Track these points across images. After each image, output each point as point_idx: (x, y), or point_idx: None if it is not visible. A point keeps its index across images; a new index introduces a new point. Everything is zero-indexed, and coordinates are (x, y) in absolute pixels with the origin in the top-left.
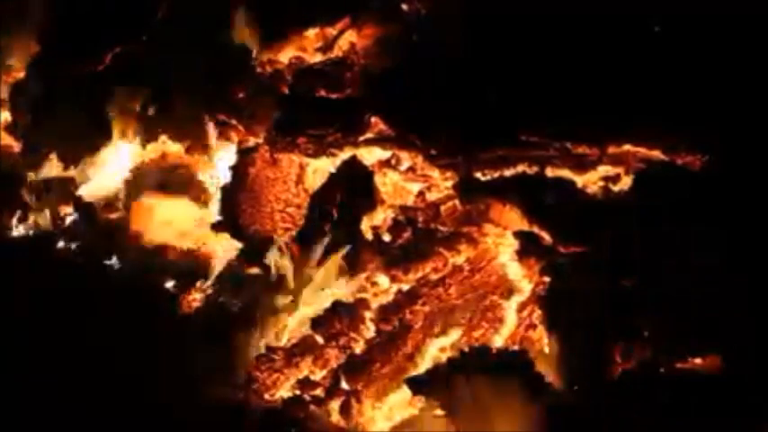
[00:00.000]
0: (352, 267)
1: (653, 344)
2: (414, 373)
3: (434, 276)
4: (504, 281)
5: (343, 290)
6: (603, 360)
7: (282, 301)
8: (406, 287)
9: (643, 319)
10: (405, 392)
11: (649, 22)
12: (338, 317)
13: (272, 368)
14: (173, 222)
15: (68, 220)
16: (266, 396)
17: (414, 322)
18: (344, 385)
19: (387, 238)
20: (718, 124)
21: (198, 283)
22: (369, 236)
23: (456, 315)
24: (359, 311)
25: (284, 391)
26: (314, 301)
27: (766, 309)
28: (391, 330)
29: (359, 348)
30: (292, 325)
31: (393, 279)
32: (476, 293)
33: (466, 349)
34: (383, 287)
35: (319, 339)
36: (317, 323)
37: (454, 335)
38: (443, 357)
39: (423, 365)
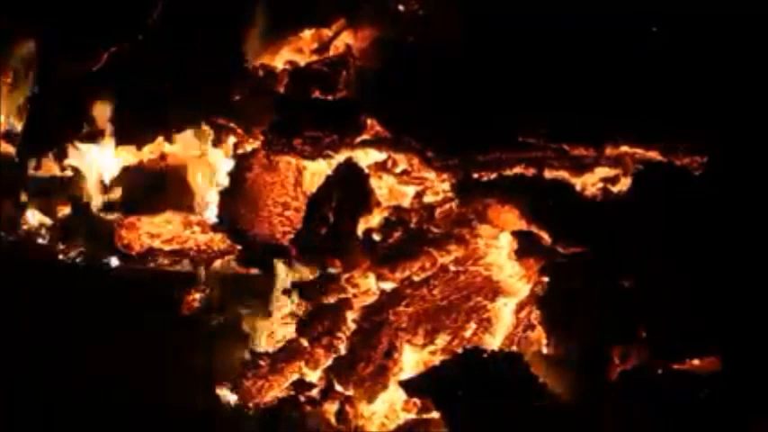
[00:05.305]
0: (345, 269)
1: (651, 345)
2: (396, 370)
3: (419, 277)
4: (490, 282)
5: (328, 291)
6: (602, 361)
7: (277, 303)
8: (389, 287)
9: (642, 320)
10: (395, 394)
11: (648, 23)
12: (320, 319)
13: (258, 375)
14: (163, 232)
15: (66, 220)
16: (250, 404)
17: (397, 323)
18: (338, 387)
19: (377, 237)
20: (717, 125)
21: (198, 284)
22: (362, 238)
23: (441, 317)
24: (341, 312)
25: (278, 392)
26: (303, 304)
27: (765, 309)
28: (369, 328)
29: (343, 348)
30: (280, 328)
31: (379, 277)
32: (460, 294)
33: (459, 351)
34: (363, 288)
35: (304, 342)
36: (302, 326)
37: (442, 338)
38: (436, 360)
39: (404, 363)
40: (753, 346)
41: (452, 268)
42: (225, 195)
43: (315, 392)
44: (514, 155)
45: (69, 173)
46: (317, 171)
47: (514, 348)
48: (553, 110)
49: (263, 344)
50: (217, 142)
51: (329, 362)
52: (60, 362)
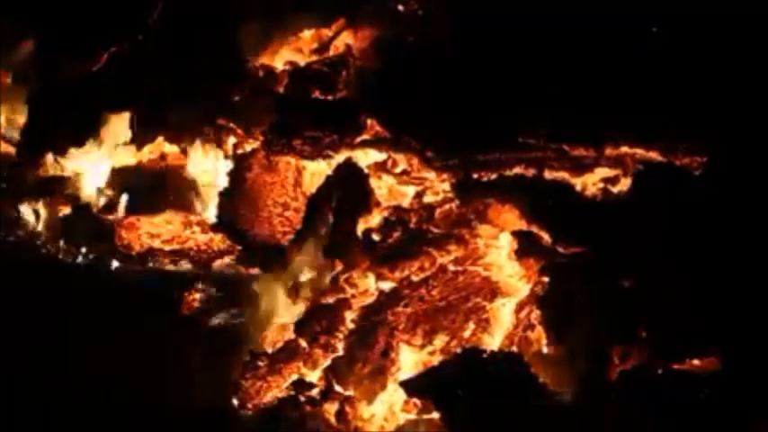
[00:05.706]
0: (345, 269)
1: (651, 345)
2: (394, 370)
3: (418, 277)
4: (489, 282)
5: (326, 291)
6: (602, 361)
7: (276, 303)
8: (388, 287)
9: (642, 320)
10: (394, 394)
11: (647, 22)
12: (319, 318)
13: (256, 375)
14: (163, 232)
15: (66, 220)
16: (249, 405)
17: (395, 323)
18: (337, 387)
19: (377, 237)
20: (717, 125)
21: (198, 283)
22: (362, 238)
23: (439, 318)
24: (340, 312)
25: (277, 393)
26: (302, 304)
27: (765, 309)
28: (366, 328)
29: (342, 348)
30: (279, 328)
31: (379, 277)
32: (459, 295)
33: (458, 351)
34: (362, 288)
35: (303, 342)
36: (300, 326)
37: (441, 339)
38: (435, 360)
39: (403, 363)
40: (753, 346)
41: (451, 268)
42: (225, 195)
43: (314, 393)
44: (514, 155)
45: (69, 173)
46: (317, 171)
47: (514, 348)
48: (553, 110)
49: (262, 344)
50: (217, 142)
51: (328, 362)
52: (60, 362)
